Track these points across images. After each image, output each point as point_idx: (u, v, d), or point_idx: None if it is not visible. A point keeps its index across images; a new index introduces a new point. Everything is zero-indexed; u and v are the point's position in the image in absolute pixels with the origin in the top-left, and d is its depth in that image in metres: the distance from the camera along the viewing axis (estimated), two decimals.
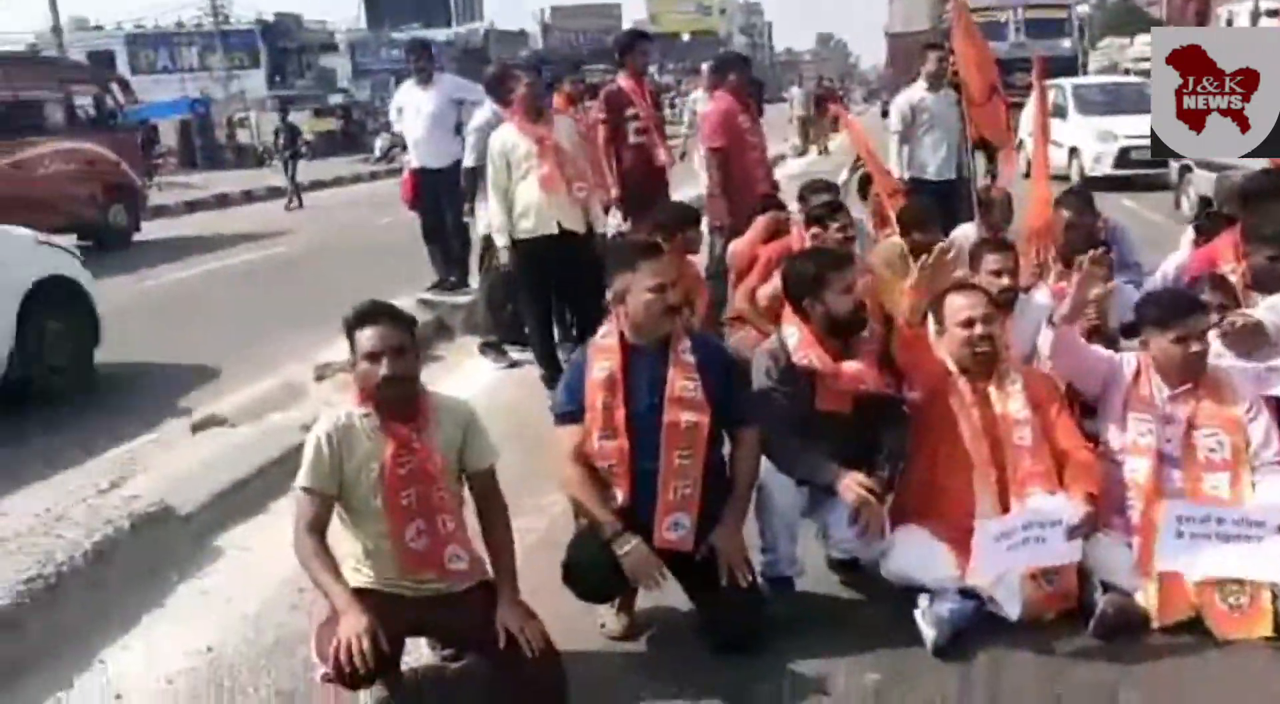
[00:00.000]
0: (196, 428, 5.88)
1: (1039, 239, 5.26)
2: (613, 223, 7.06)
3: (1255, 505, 3.44)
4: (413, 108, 8.68)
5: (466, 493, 3.31)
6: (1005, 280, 4.38)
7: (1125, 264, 5.56)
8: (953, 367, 3.72)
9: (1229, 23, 33.10)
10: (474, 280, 8.21)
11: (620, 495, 3.38)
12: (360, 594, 3.00)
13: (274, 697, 3.34)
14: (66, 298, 7.01)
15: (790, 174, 15.92)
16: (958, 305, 3.73)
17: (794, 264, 3.91)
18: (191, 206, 21.74)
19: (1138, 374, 3.71)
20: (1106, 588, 3.44)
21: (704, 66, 11.88)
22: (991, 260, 4.49)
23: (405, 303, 5.86)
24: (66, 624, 3.69)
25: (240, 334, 8.64)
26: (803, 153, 23.60)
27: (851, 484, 3.44)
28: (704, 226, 6.53)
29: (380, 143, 30.96)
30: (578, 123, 6.68)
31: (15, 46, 32.66)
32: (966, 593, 3.44)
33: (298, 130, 22.96)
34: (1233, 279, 4.33)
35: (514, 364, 7.00)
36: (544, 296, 6.40)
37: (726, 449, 3.58)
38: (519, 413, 5.73)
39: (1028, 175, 13.44)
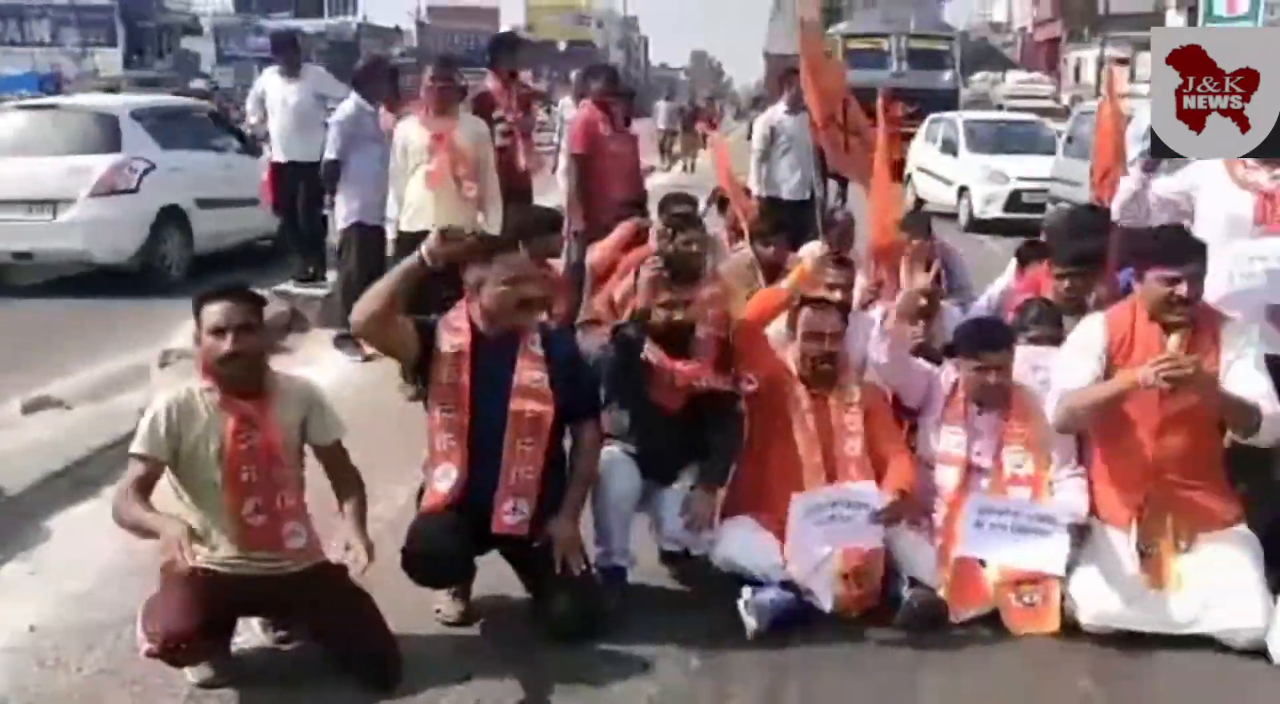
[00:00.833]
0: (28, 409, 5.71)
1: (881, 259, 5.54)
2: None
3: (1051, 503, 3.76)
4: (278, 99, 8.57)
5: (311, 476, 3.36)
6: (839, 295, 4.62)
7: (955, 287, 5.91)
8: (795, 370, 3.94)
9: (1076, 69, 34.75)
10: (331, 274, 8.16)
11: (454, 473, 3.46)
12: (194, 573, 3.01)
13: (98, 674, 3.31)
14: None
15: (659, 184, 16.15)
16: (808, 319, 3.96)
17: None
18: None
19: (955, 389, 3.99)
20: (913, 583, 3.68)
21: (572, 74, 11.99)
22: (830, 274, 4.75)
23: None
24: None
25: (83, 318, 8.37)
26: (667, 169, 22.96)
27: None
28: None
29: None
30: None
31: None
32: (787, 585, 3.65)
33: None
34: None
35: (369, 357, 6.98)
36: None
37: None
38: (370, 405, 5.74)
39: (919, 207, 13.88)
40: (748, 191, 7.18)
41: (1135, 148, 9.61)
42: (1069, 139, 12.90)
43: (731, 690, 3.32)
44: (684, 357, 3.84)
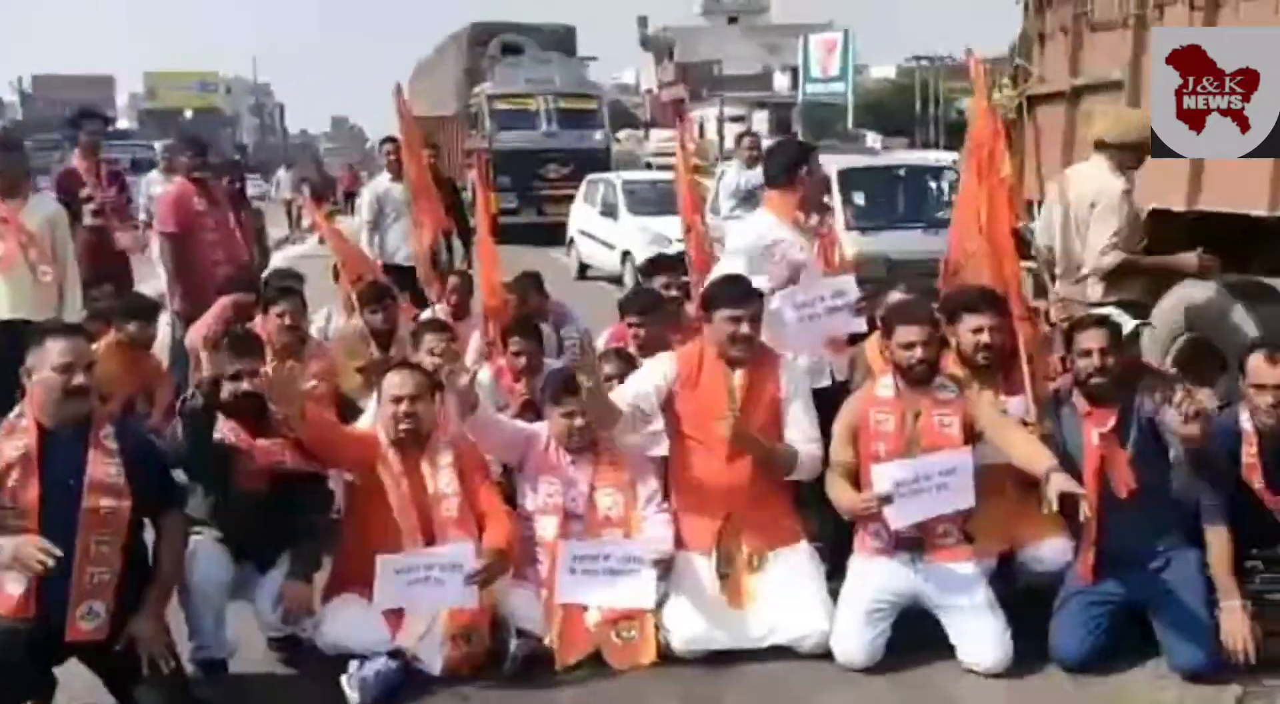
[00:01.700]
0: None
1: (493, 317, 5.72)
2: None
3: (636, 541, 4.02)
4: None
5: None
6: (439, 359, 4.72)
7: (568, 345, 6.18)
8: (384, 438, 3.97)
9: (701, 127, 36.97)
10: None
11: (23, 582, 3.23)
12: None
13: None
14: None
15: (290, 255, 15.67)
16: (390, 382, 4.00)
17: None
18: None
19: (548, 443, 4.18)
20: (520, 634, 3.80)
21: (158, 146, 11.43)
22: (429, 340, 4.88)
23: None
24: None
25: None
26: (298, 240, 20.63)
27: None
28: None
29: None
30: None
31: None
32: (395, 654, 3.66)
33: None
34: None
35: None
36: None
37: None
38: None
39: (582, 273, 13.67)
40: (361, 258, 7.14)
41: (728, 203, 10.50)
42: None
43: None
44: (263, 433, 3.79)
